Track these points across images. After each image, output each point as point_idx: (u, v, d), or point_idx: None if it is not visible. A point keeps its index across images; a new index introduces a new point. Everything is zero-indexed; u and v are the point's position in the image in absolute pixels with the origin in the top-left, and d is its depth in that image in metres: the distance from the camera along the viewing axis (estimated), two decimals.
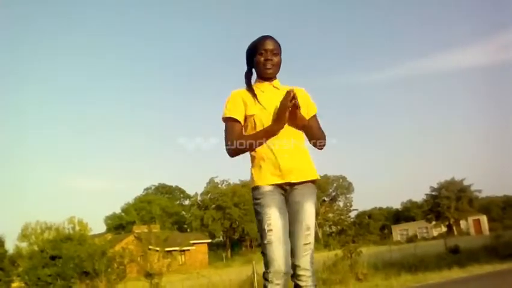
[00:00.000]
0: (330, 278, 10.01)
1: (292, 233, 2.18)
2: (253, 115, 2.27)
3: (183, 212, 58.60)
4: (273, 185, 2.20)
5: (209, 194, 52.28)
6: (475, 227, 43.49)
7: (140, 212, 50.82)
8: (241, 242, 51.12)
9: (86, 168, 69.97)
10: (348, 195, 61.84)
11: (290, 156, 2.22)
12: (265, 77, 2.35)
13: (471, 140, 71.19)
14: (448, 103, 72.02)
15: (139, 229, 22.02)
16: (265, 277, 2.09)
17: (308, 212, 2.20)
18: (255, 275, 10.04)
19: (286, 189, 2.23)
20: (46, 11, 65.43)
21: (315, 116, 2.40)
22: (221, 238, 52.32)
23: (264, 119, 2.25)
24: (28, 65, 63.44)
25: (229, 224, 48.64)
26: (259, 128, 2.26)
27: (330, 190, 61.10)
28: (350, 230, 55.45)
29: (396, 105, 75.15)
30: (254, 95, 2.31)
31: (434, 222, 47.29)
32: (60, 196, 67.10)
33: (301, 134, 2.33)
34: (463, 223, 45.96)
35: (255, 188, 2.22)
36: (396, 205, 65.21)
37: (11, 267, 17.92)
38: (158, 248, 11.41)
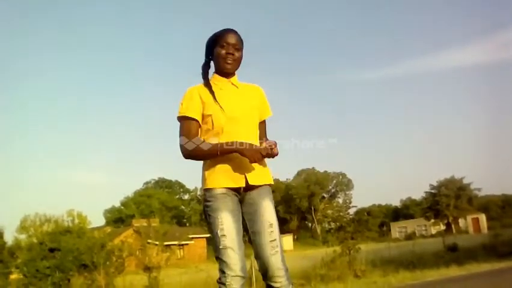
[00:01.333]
0: (328, 274, 10.02)
1: (255, 233, 2.10)
2: (210, 115, 2.13)
3: (182, 206, 58.75)
4: (225, 187, 2.11)
5: None
6: (474, 226, 43.49)
7: (140, 205, 50.88)
8: None
9: (86, 162, 70.21)
10: (347, 192, 62.11)
11: (243, 160, 2.09)
12: (223, 72, 2.22)
13: (471, 139, 71.30)
14: (448, 101, 72.11)
15: (138, 223, 22.01)
16: (221, 281, 2.00)
17: (267, 209, 2.11)
18: (253, 270, 10.05)
19: (240, 192, 2.13)
20: (45, 9, 65.23)
21: (265, 121, 2.31)
22: None
23: (222, 121, 2.12)
24: (27, 59, 63.38)
25: None
26: (216, 129, 2.13)
27: (329, 187, 61.21)
28: (349, 226, 55.34)
29: (396, 103, 75.29)
30: (212, 92, 2.17)
31: (432, 220, 47.29)
32: (60, 189, 67.36)
33: (257, 136, 2.23)
34: (461, 221, 45.98)
35: (207, 190, 2.11)
36: (396, 202, 65.46)
37: (9, 258, 17.92)
38: (157, 242, 11.39)
